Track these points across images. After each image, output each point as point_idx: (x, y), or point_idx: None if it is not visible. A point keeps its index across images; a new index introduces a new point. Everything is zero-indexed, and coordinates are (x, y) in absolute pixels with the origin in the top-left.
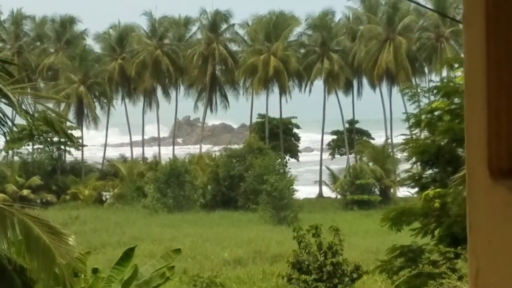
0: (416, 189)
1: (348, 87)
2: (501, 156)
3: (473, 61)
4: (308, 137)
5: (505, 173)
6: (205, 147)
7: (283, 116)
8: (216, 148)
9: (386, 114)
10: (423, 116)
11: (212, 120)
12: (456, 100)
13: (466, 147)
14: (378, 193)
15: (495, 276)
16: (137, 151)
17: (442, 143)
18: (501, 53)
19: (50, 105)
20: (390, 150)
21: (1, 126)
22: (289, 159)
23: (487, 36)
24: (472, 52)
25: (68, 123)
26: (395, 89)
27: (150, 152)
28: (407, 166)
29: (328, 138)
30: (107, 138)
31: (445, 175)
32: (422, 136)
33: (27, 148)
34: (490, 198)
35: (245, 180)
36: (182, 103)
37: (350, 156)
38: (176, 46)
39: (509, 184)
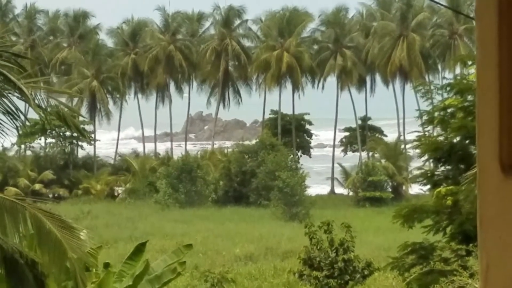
0: (428, 186)
1: (361, 84)
2: None
3: (485, 55)
4: (320, 134)
5: None
6: (217, 143)
7: (296, 112)
8: (229, 143)
9: (399, 111)
10: (436, 113)
11: (225, 116)
12: (470, 97)
13: (477, 142)
14: (390, 190)
15: (505, 271)
16: (150, 146)
17: (455, 141)
18: None
19: (63, 100)
20: (402, 147)
21: (14, 120)
22: (301, 156)
23: (499, 30)
24: (485, 46)
25: (81, 118)
26: (408, 86)
27: (162, 147)
28: (419, 163)
29: (341, 134)
30: (119, 133)
31: (458, 172)
32: (435, 133)
33: (39, 143)
34: (501, 193)
35: (257, 176)
36: (195, 99)
37: (362, 153)
38: (189, 41)
39: None
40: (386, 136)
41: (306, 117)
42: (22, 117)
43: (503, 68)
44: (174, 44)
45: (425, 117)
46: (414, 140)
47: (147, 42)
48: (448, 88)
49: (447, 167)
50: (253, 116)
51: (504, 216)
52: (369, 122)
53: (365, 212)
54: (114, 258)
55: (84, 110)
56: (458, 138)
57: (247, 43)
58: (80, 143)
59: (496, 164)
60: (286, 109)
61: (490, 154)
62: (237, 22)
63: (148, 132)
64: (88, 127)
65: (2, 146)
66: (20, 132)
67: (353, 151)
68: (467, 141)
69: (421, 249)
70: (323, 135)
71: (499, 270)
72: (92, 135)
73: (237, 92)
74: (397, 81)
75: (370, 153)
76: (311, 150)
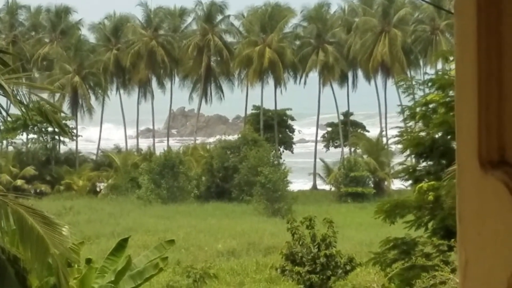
0: (410, 182)
1: (343, 79)
2: (491, 147)
3: (464, 51)
4: (303, 129)
5: (495, 164)
6: (199, 139)
7: (278, 108)
8: (211, 139)
9: (380, 107)
10: (417, 109)
11: (207, 112)
12: (451, 92)
13: (456, 138)
14: (372, 185)
15: (484, 267)
16: (132, 142)
17: (437, 136)
18: (492, 43)
19: (45, 96)
20: (384, 142)
21: None
22: (283, 151)
23: (478, 26)
24: (463, 42)
25: (63, 114)
26: (390, 82)
27: (144, 143)
28: (401, 158)
29: (323, 130)
30: (101, 129)
31: (439, 167)
32: (417, 129)
33: (21, 138)
34: (480, 189)
35: (239, 172)
36: (177, 94)
37: (344, 148)
38: (171, 37)
39: (499, 175)
40: (368, 131)
41: (288, 112)
42: (4, 113)
43: (481, 64)
44: (156, 39)
45: (407, 113)
46: (396, 136)
47: (129, 37)
48: (429, 84)
49: (429, 162)
50: (235, 112)
51: (483, 212)
52: (351, 118)
53: (347, 207)
54: (96, 254)
55: (66, 106)
56: (439, 134)
57: (229, 38)
58: (62, 138)
59: (475, 160)
60: (268, 105)
61: (469, 150)
62: (219, 17)
63: (130, 127)
64: (70, 123)
65: None
66: (2, 127)
67: (335, 147)
68: (448, 137)
69: (403, 245)
70: (306, 131)
71: (478, 266)
72: (74, 131)
73: (219, 88)
74: (379, 76)
75: (352, 149)
76: (293, 145)
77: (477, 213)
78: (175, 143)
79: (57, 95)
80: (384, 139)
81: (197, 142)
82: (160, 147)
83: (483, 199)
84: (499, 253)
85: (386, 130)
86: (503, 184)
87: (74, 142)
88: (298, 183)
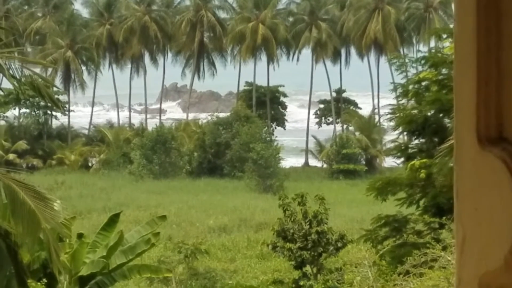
0: (402, 159)
1: (336, 56)
2: (490, 124)
3: (463, 27)
4: (295, 106)
5: (493, 140)
6: (192, 114)
7: (271, 84)
8: (203, 115)
9: (373, 84)
10: (410, 86)
11: (200, 88)
12: (444, 70)
13: (455, 114)
14: (364, 162)
15: (481, 242)
16: (124, 117)
17: (429, 114)
18: (491, 21)
19: (37, 70)
20: (376, 120)
21: None
22: (275, 128)
23: (477, 2)
24: (463, 19)
25: (55, 88)
26: (383, 59)
27: (137, 118)
28: (393, 136)
29: (315, 107)
30: (93, 104)
31: (431, 145)
32: (409, 106)
33: (13, 113)
34: (478, 165)
35: (231, 148)
36: (170, 70)
37: (336, 125)
38: (164, 12)
39: (496, 151)
40: (360, 108)
41: (280, 89)
42: None
43: (480, 40)
44: (149, 15)
45: (399, 90)
46: (389, 113)
47: (122, 12)
48: (422, 61)
49: (421, 140)
50: (227, 88)
51: (480, 188)
52: (344, 95)
53: (339, 184)
54: (87, 228)
55: (58, 80)
56: (432, 111)
57: (222, 14)
58: (54, 113)
59: (473, 136)
60: (261, 81)
61: (467, 127)
62: None
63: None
64: (63, 98)
65: None
66: None
67: (328, 124)
68: (441, 114)
69: (394, 222)
70: (298, 107)
71: (475, 242)
72: (67, 106)
73: (212, 64)
74: (372, 54)
75: (345, 126)
76: (286, 122)
77: (475, 189)
78: (168, 119)
79: (50, 70)
80: (377, 117)
81: (190, 118)
82: (152, 123)
83: (481, 175)
84: (496, 229)
85: (378, 108)
86: (501, 161)
87: (66, 116)
88: (290, 160)
